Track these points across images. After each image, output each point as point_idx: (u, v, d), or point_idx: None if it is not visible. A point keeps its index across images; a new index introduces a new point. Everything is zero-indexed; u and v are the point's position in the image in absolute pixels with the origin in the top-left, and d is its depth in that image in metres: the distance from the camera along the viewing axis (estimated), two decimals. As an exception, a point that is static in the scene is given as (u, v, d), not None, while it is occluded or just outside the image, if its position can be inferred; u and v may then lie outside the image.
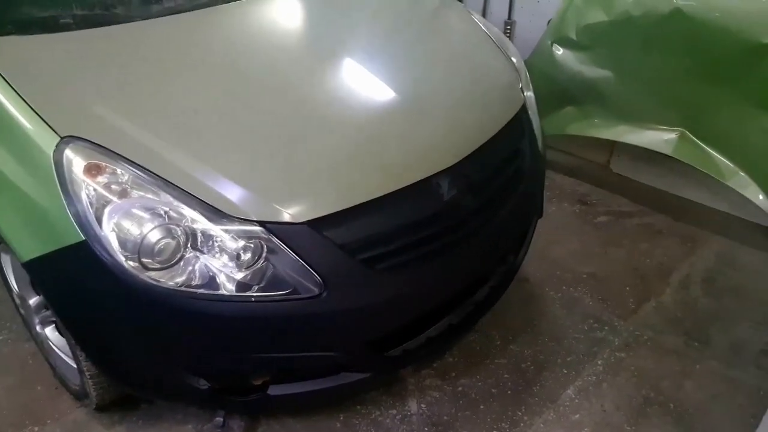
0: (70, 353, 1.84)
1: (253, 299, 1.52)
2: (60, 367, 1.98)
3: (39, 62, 1.67)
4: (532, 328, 2.31)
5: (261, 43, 1.91)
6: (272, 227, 1.50)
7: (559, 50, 2.91)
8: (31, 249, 1.57)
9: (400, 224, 1.63)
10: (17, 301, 2.04)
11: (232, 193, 1.49)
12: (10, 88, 1.56)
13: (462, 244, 1.75)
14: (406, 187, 1.64)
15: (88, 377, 1.79)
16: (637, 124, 2.83)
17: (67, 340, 1.78)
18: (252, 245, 1.50)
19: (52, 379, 2.07)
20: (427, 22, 2.28)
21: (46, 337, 1.97)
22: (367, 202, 1.58)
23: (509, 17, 3.40)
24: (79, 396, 1.96)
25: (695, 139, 2.70)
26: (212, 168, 1.51)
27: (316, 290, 1.53)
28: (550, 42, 2.93)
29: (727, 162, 2.65)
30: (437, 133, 1.78)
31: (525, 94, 2.14)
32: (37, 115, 1.51)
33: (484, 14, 3.49)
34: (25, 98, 1.54)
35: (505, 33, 3.40)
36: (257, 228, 1.49)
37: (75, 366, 1.83)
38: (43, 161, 1.48)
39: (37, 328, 1.99)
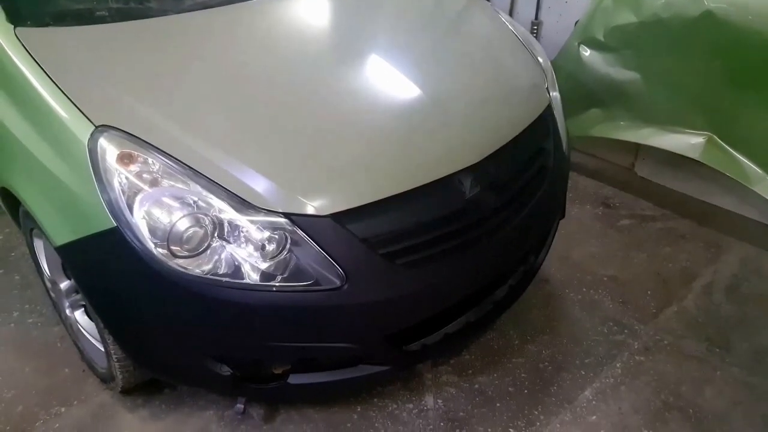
0: (98, 337, 1.89)
1: (276, 289, 1.56)
2: (88, 350, 2.04)
3: (75, 53, 1.72)
4: (551, 328, 2.31)
5: (291, 39, 1.94)
6: (297, 219, 1.53)
7: (586, 51, 2.90)
8: (64, 234, 1.63)
9: (423, 220, 1.65)
10: (48, 285, 2.10)
11: (259, 185, 1.53)
12: (47, 77, 1.61)
13: (483, 242, 1.76)
14: (429, 183, 1.66)
15: (115, 361, 1.84)
16: (663, 127, 2.81)
17: (96, 324, 1.84)
18: (277, 236, 1.53)
19: (80, 363, 2.13)
20: (454, 21, 2.29)
21: (76, 321, 2.03)
22: (390, 197, 1.61)
23: (536, 17, 3.40)
24: (106, 379, 2.02)
25: (723, 143, 2.68)
26: (240, 160, 1.55)
27: (338, 282, 1.56)
28: (577, 43, 2.92)
29: (755, 168, 2.62)
30: (462, 130, 1.79)
31: (551, 94, 2.15)
32: (73, 104, 1.57)
33: (511, 14, 3.49)
34: (61, 88, 1.59)
35: (531, 33, 3.38)
36: (282, 219, 1.53)
37: (102, 349, 1.89)
38: (77, 149, 1.53)
39: (67, 311, 2.05)
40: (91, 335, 1.97)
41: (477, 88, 1.96)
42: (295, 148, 1.63)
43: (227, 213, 1.53)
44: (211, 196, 1.52)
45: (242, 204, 1.52)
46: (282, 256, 1.55)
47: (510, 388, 2.09)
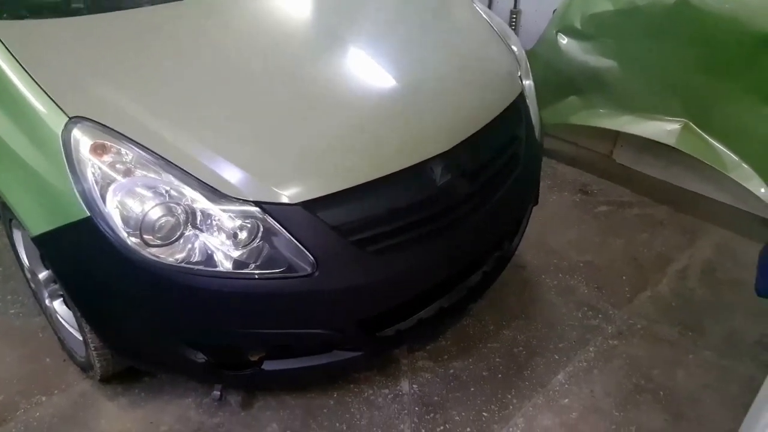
0: (76, 326, 1.91)
1: (248, 276, 1.58)
2: (67, 339, 2.06)
3: (50, 45, 1.73)
4: (527, 314, 2.35)
5: (263, 29, 1.96)
6: (268, 207, 1.55)
7: (563, 39, 2.93)
8: (40, 224, 1.65)
9: (393, 207, 1.68)
10: (28, 275, 2.12)
11: (231, 174, 1.55)
12: (22, 69, 1.62)
13: (454, 229, 1.79)
14: (400, 171, 1.68)
15: (93, 349, 1.86)
16: (640, 114, 2.84)
17: (74, 313, 1.86)
18: (249, 225, 1.56)
19: (61, 352, 2.15)
20: (428, 10, 2.31)
21: (54, 311, 2.05)
22: (361, 185, 1.63)
23: (515, 6, 3.42)
24: (85, 368, 2.05)
25: (699, 130, 2.71)
26: (212, 150, 1.57)
27: (309, 269, 1.58)
28: (555, 31, 2.94)
29: (730, 154, 2.65)
30: (433, 118, 1.82)
31: (524, 82, 2.17)
32: (47, 96, 1.58)
33: (490, 3, 3.51)
34: (36, 80, 1.60)
35: (511, 22, 3.42)
36: (253, 208, 1.55)
37: (81, 338, 1.91)
38: (52, 140, 1.54)
39: (46, 301, 2.07)
40: (69, 324, 1.99)
41: (449, 77, 1.98)
42: (267, 137, 1.65)
43: (200, 202, 1.55)
44: (184, 185, 1.54)
45: (214, 193, 1.54)
46: (254, 245, 1.57)
47: (484, 373, 2.13)
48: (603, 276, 2.53)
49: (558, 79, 3.01)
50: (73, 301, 1.77)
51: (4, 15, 1.75)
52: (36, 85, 1.59)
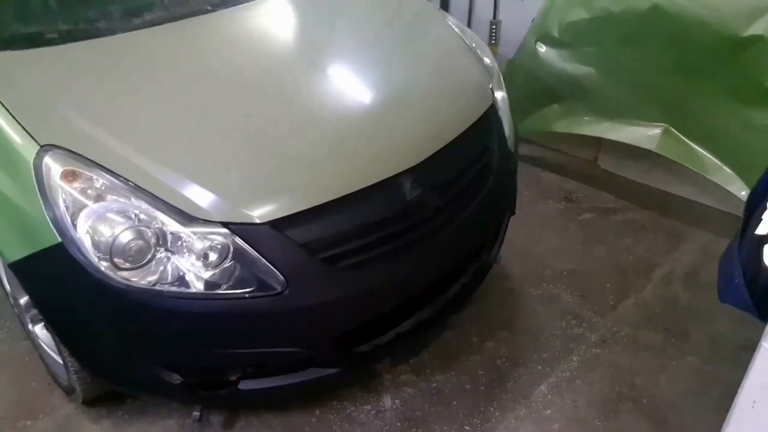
0: (56, 349, 1.93)
1: (219, 297, 1.60)
2: (49, 363, 2.08)
3: (24, 75, 1.77)
4: (510, 325, 2.35)
5: (231, 53, 1.98)
6: (235, 228, 1.57)
7: (542, 48, 2.93)
8: (16, 251, 1.67)
9: (362, 223, 1.69)
10: (11, 300, 2.15)
11: (199, 196, 1.57)
12: (-4, 100, 1.66)
13: (425, 242, 1.80)
14: (368, 187, 1.70)
15: (73, 372, 1.88)
16: (621, 120, 2.84)
17: (53, 337, 1.88)
18: (219, 246, 1.58)
19: (46, 376, 2.16)
20: (399, 26, 2.34)
21: (36, 335, 2.07)
22: (328, 202, 1.64)
23: (494, 17, 3.44)
24: (68, 391, 2.06)
25: (678, 134, 2.71)
26: (180, 173, 1.59)
27: (279, 288, 1.60)
28: (534, 40, 2.95)
29: (710, 157, 2.65)
30: (401, 133, 1.83)
31: (496, 94, 2.18)
32: (20, 125, 1.61)
33: (469, 13, 3.53)
34: (9, 109, 1.63)
35: (490, 32, 3.43)
36: (222, 229, 1.57)
37: (61, 362, 1.93)
38: (24, 168, 1.57)
39: (29, 326, 2.09)
40: (50, 348, 2.01)
41: (418, 91, 2.00)
42: (235, 159, 1.67)
43: (169, 225, 1.57)
44: (153, 209, 1.57)
45: (183, 216, 1.57)
46: (225, 265, 1.59)
47: (467, 386, 2.12)
48: (586, 284, 2.52)
49: (539, 88, 3.02)
50: (51, 325, 1.80)
51: (-21, 47, 1.80)
52: (9, 115, 1.63)
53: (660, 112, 2.73)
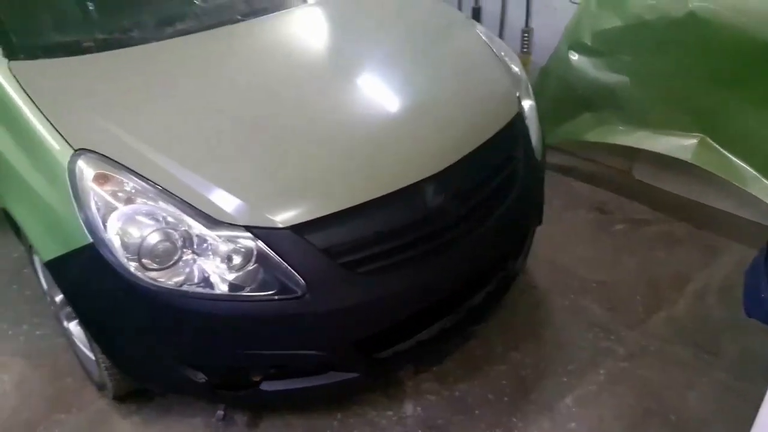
0: (89, 346, 2.00)
1: (242, 299, 1.64)
2: (84, 359, 2.16)
3: (61, 83, 1.86)
4: (536, 335, 2.33)
5: (260, 60, 2.04)
6: (258, 232, 1.61)
7: (574, 56, 2.91)
8: (51, 250, 1.75)
9: (382, 230, 1.71)
10: (48, 298, 2.24)
11: (224, 201, 1.62)
12: (34, 106, 1.74)
13: (447, 250, 1.81)
14: (389, 193, 1.72)
15: (104, 368, 1.95)
16: (655, 129, 2.78)
17: (85, 334, 1.95)
18: (243, 249, 1.62)
19: (81, 372, 2.24)
20: (426, 35, 2.35)
21: (71, 332, 2.15)
22: (349, 208, 1.67)
23: (527, 25, 3.42)
24: (100, 387, 2.13)
25: (715, 144, 2.63)
26: (207, 178, 1.64)
27: (299, 291, 1.63)
28: (566, 48, 2.93)
29: (748, 168, 2.56)
30: (423, 141, 1.85)
31: (522, 103, 2.18)
32: (56, 130, 1.69)
33: (501, 22, 3.52)
34: (46, 115, 1.71)
35: (522, 41, 3.41)
36: (245, 233, 1.61)
37: (93, 358, 2.00)
38: (59, 171, 1.64)
39: (65, 323, 2.17)
40: (83, 345, 2.08)
41: (443, 100, 2.01)
42: (259, 165, 1.72)
43: (195, 228, 1.62)
44: (180, 212, 1.62)
45: (209, 219, 1.61)
46: (249, 268, 1.63)
47: (490, 396, 2.11)
48: (616, 296, 2.48)
49: (571, 96, 2.99)
50: (82, 322, 1.88)
51: (22, 56, 1.89)
52: (46, 121, 1.71)
53: (695, 121, 2.67)
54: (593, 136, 2.99)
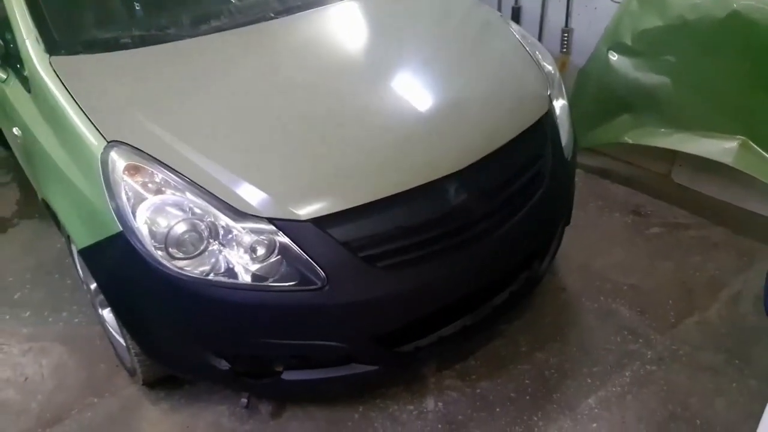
0: (120, 332, 2.07)
1: (264, 289, 1.67)
2: (116, 345, 2.23)
3: (98, 77, 1.93)
4: (562, 336, 2.30)
5: (290, 57, 2.07)
6: (280, 224, 1.65)
7: (614, 56, 2.86)
8: (85, 238, 1.83)
9: (403, 225, 1.72)
10: (84, 286, 2.32)
11: (249, 194, 1.66)
12: (72, 99, 1.81)
13: (469, 247, 1.81)
14: (411, 189, 1.73)
15: (134, 354, 2.01)
16: (695, 132, 2.71)
17: (116, 320, 2.02)
18: (266, 241, 1.65)
19: (114, 358, 2.32)
20: (457, 31, 2.35)
21: (104, 319, 2.23)
22: (370, 203, 1.69)
23: (566, 25, 3.37)
24: (131, 373, 2.20)
25: (757, 147, 2.55)
26: (232, 171, 1.68)
27: (319, 283, 1.66)
28: (605, 49, 2.88)
29: (791, 172, 2.50)
30: (447, 137, 1.85)
31: (554, 102, 2.16)
32: (91, 122, 1.76)
33: (541, 22, 3.48)
34: (83, 108, 1.79)
35: (562, 41, 3.37)
36: (269, 225, 1.65)
37: (124, 344, 2.07)
38: (92, 162, 1.71)
39: (99, 310, 2.25)
40: (115, 331, 2.15)
41: (470, 97, 2.01)
42: (284, 159, 1.75)
43: (221, 219, 1.66)
44: (206, 204, 1.66)
45: (233, 211, 1.65)
46: (271, 259, 1.67)
47: (512, 394, 2.10)
48: (647, 300, 2.42)
49: (610, 97, 2.94)
50: (113, 309, 1.94)
51: (62, 51, 1.97)
52: (82, 113, 1.78)
53: (737, 123, 2.59)
54: (632, 137, 2.93)
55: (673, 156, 3.05)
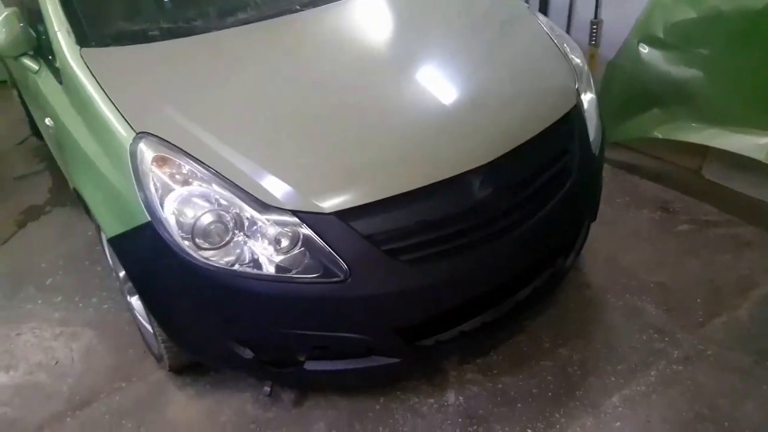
0: (148, 319, 2.11)
1: (287, 280, 1.69)
2: (144, 332, 2.28)
3: (128, 69, 1.96)
4: (586, 333, 2.28)
5: (315, 50, 2.08)
6: (304, 216, 1.66)
7: (645, 49, 2.81)
8: (114, 227, 1.86)
9: (427, 219, 1.72)
10: (114, 273, 2.37)
11: (274, 186, 1.67)
12: (102, 91, 1.84)
13: (493, 242, 1.80)
14: (434, 183, 1.72)
15: (161, 342, 2.06)
16: (728, 127, 2.66)
17: (144, 307, 2.06)
18: (290, 233, 1.67)
19: (142, 344, 2.37)
20: (484, 23, 2.33)
21: (133, 306, 2.27)
22: (393, 196, 1.69)
23: (596, 16, 3.31)
24: (158, 359, 2.25)
25: (792, 144, 2.50)
26: (258, 163, 1.70)
27: (341, 276, 1.67)
28: (636, 41, 2.83)
29: (827, 170, 2.43)
30: (472, 132, 1.84)
31: (582, 95, 2.13)
32: (121, 114, 1.79)
33: (569, 13, 3.43)
34: (112, 100, 1.82)
35: (591, 32, 3.32)
36: (292, 218, 1.66)
37: (152, 331, 2.11)
38: (122, 153, 1.74)
39: (127, 297, 2.30)
40: (143, 318, 2.20)
41: (496, 91, 2.00)
42: (308, 152, 1.75)
43: (246, 211, 1.68)
44: (232, 195, 1.68)
45: (258, 203, 1.67)
46: (295, 251, 1.68)
47: (534, 390, 2.09)
48: (675, 298, 2.39)
49: (640, 91, 2.89)
50: (141, 296, 1.98)
51: (93, 43, 2.00)
52: (112, 105, 1.81)
53: (771, 119, 2.53)
54: (662, 132, 2.88)
55: (704, 151, 2.99)
